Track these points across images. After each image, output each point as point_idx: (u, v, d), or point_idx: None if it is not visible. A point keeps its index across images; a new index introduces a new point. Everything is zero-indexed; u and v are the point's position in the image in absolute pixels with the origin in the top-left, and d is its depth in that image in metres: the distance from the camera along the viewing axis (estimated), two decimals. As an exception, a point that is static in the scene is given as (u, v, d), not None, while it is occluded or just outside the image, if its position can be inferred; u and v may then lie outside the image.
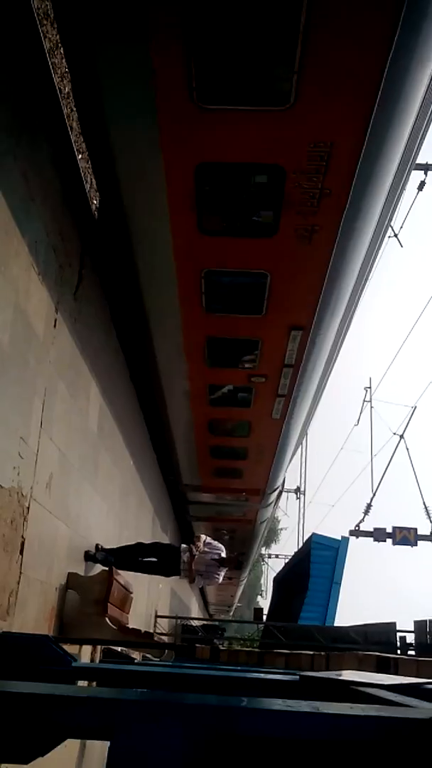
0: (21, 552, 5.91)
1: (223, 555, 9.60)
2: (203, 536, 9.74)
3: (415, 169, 17.52)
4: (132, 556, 9.39)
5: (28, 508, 6.09)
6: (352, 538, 23.38)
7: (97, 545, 8.88)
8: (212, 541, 9.71)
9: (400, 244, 18.25)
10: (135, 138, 6.33)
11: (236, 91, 5.62)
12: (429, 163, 18.21)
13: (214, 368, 10.51)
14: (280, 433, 13.16)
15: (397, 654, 13.46)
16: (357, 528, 24.97)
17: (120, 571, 8.38)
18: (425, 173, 18.23)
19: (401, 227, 18.76)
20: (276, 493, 19.41)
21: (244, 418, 12.68)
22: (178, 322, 9.27)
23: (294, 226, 6.82)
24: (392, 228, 16.22)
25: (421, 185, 18.31)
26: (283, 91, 5.50)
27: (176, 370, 10.96)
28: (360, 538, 24.77)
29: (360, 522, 25.08)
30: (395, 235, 17.60)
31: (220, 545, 9.72)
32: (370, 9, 4.90)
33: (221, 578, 9.71)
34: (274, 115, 5.72)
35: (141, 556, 9.56)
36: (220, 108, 5.75)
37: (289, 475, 22.38)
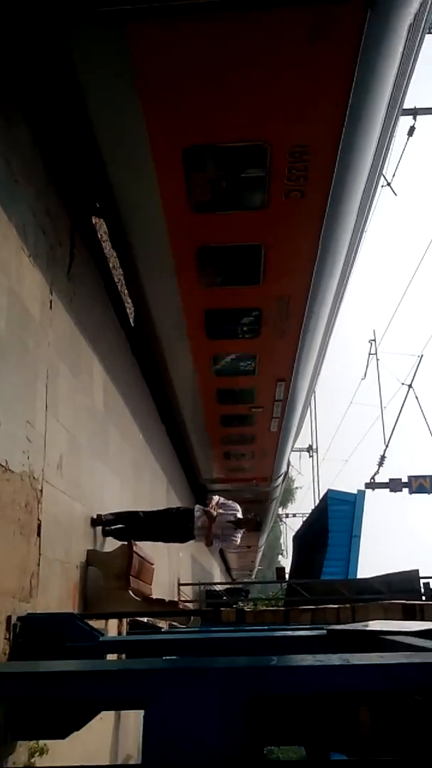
0: (38, 534, 5.93)
1: (239, 516, 9.01)
2: (216, 497, 9.18)
3: (404, 114, 17.24)
4: (144, 525, 8.85)
5: (41, 490, 6.10)
6: (368, 491, 23.47)
7: (98, 515, 8.31)
8: (226, 501, 9.13)
9: (394, 192, 17.98)
10: None
11: None
12: (418, 107, 17.86)
13: (224, 405, 14.63)
14: (278, 439, 17.62)
15: (422, 600, 13.55)
16: (372, 480, 25.07)
17: (138, 543, 8.39)
18: (414, 118, 17.86)
19: (393, 175, 18.46)
20: (281, 477, 24.07)
21: (250, 433, 16.75)
22: (195, 383, 13.31)
23: (271, 332, 10.70)
24: (384, 177, 16.07)
25: (411, 130, 17.94)
26: None
27: (194, 410, 15.14)
28: (376, 491, 24.90)
29: (375, 474, 25.20)
30: (388, 184, 17.34)
31: (236, 505, 9.14)
32: None
33: (239, 540, 9.13)
34: None
35: (153, 523, 8.97)
36: None
37: (301, 434, 22.64)
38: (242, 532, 9.03)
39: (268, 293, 9.53)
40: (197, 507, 9.03)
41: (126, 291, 10.98)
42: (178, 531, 8.96)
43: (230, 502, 9.11)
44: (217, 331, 10.84)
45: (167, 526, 8.99)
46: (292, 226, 7.95)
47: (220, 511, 8.81)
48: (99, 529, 8.37)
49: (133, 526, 8.69)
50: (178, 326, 10.67)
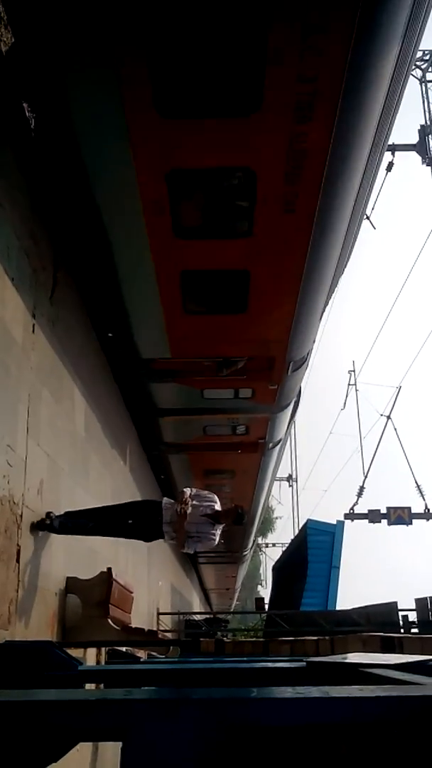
0: (17, 560, 5.87)
1: (218, 507, 7.36)
2: (188, 489, 7.50)
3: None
4: (103, 521, 7.42)
5: (21, 515, 6.05)
6: (348, 522, 23.50)
7: (48, 513, 6.88)
8: (201, 492, 7.51)
9: (373, 226, 18.31)
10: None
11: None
12: (396, 143, 18.25)
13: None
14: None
15: (400, 633, 13.52)
16: (351, 511, 25.08)
17: (118, 572, 8.30)
18: (393, 154, 18.25)
19: (373, 209, 18.80)
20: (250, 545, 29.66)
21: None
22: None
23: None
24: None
25: (390, 166, 18.35)
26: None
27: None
28: (355, 521, 24.91)
29: (354, 505, 25.22)
30: (367, 218, 17.64)
31: (213, 495, 7.52)
32: None
33: (217, 538, 7.40)
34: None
35: (114, 519, 7.48)
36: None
37: (281, 463, 22.87)
38: (221, 528, 7.45)
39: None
40: (165, 500, 7.53)
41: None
42: (143, 526, 7.45)
43: (205, 492, 7.58)
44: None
45: (130, 519, 7.48)
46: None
47: (194, 503, 7.26)
48: (79, 556, 8.25)
49: (89, 519, 7.35)
50: None
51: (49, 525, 6.78)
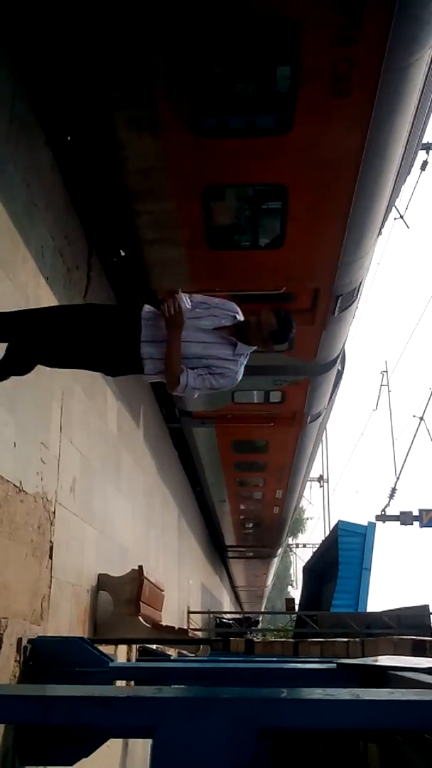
0: (50, 556, 5.92)
1: (240, 318, 4.05)
2: (183, 294, 3.94)
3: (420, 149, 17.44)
4: (38, 332, 4.04)
5: (54, 512, 6.09)
6: (379, 524, 23.31)
7: None
8: (210, 299, 4.11)
9: (407, 225, 18.14)
10: None
11: None
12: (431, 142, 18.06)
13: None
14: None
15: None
16: (383, 513, 24.88)
17: (149, 569, 8.31)
18: (427, 152, 18.06)
19: (406, 208, 18.62)
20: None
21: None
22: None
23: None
24: (397, 209, 16.27)
25: (424, 165, 18.15)
26: None
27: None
28: (386, 523, 24.70)
29: (385, 506, 25.02)
30: (401, 217, 17.49)
31: (231, 304, 4.13)
32: None
33: (241, 370, 4.05)
34: None
35: (59, 330, 4.01)
36: None
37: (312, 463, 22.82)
38: (248, 353, 4.04)
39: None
40: (147, 307, 4.03)
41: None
42: (108, 347, 4.01)
43: (217, 299, 4.14)
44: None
45: (86, 334, 3.99)
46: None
47: (197, 310, 3.99)
48: (111, 553, 8.30)
49: (29, 341, 4.09)
50: None
51: None
